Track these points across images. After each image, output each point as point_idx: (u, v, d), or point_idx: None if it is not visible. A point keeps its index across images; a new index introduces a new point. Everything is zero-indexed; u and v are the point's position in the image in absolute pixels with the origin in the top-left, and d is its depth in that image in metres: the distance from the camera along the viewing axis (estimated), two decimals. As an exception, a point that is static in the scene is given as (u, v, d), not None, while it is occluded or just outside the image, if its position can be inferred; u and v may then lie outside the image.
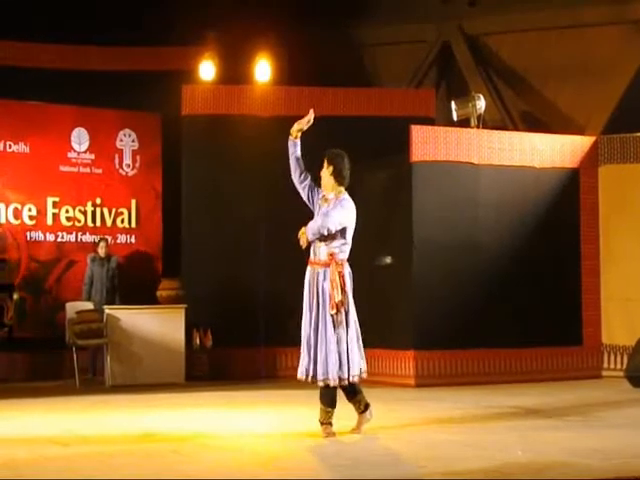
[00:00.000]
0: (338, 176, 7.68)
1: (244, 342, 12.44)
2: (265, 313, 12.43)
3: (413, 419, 8.44)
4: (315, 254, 7.56)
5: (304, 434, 7.52)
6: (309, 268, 7.57)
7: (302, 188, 7.77)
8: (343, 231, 7.57)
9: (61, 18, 13.65)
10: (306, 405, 8.17)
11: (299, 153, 7.85)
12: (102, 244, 12.70)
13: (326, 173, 7.75)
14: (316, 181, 7.87)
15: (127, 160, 13.60)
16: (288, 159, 12.52)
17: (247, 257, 12.70)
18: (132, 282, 13.12)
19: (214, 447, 7.08)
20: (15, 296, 11.89)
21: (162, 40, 13.83)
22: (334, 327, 7.37)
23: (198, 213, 12.88)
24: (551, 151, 12.09)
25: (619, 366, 11.66)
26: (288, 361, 12.12)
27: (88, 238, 13.20)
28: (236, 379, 11.95)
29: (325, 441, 7.23)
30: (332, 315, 7.37)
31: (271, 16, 13.50)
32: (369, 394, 9.28)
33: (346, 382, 7.41)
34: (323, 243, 7.51)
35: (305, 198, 7.78)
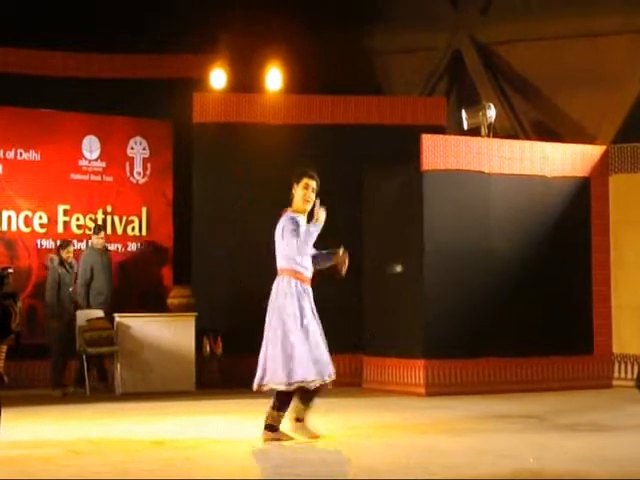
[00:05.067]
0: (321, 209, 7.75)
1: (256, 350, 12.39)
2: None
3: (424, 427, 8.44)
4: (309, 270, 7.71)
5: (314, 441, 7.52)
6: (303, 284, 7.66)
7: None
8: None
9: (73, 26, 13.69)
10: (316, 412, 8.15)
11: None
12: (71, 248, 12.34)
13: (313, 198, 7.76)
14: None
15: (138, 168, 13.61)
16: (298, 166, 12.61)
17: (258, 265, 12.63)
18: (143, 290, 13.14)
19: (225, 454, 7.08)
20: (20, 304, 11.85)
21: (174, 48, 13.87)
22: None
23: (209, 220, 12.89)
24: (562, 160, 12.08)
25: (630, 375, 11.62)
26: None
27: (99, 246, 13.19)
28: (247, 387, 11.88)
29: (335, 448, 7.23)
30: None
31: (283, 24, 13.53)
32: (380, 402, 9.32)
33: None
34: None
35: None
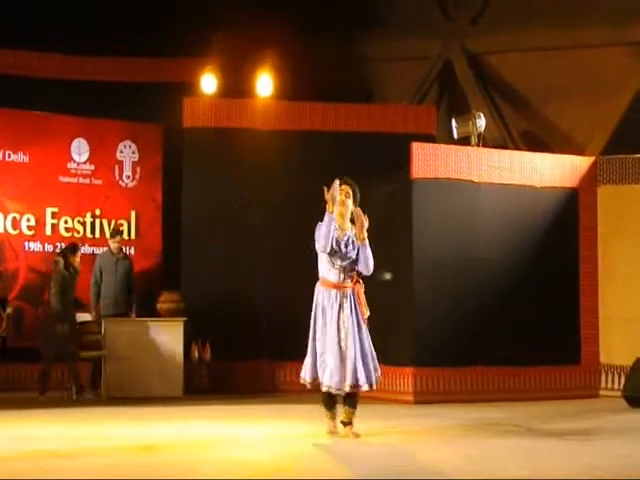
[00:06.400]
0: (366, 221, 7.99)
1: (245, 355, 12.44)
2: (268, 326, 12.43)
3: (413, 434, 8.45)
4: (344, 278, 7.95)
5: (304, 448, 7.52)
6: (333, 290, 7.91)
7: (329, 250, 7.90)
8: None
9: (63, 28, 13.66)
10: (306, 420, 8.17)
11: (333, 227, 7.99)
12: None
13: (351, 204, 8.02)
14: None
15: (127, 171, 13.58)
16: (290, 173, 12.71)
17: (248, 270, 12.72)
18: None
19: (213, 459, 7.07)
20: (9, 310, 11.79)
21: (164, 52, 13.86)
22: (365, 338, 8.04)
23: (198, 225, 12.88)
24: (551, 170, 12.12)
25: (616, 386, 11.66)
26: (293, 375, 12.11)
27: (87, 249, 13.11)
28: (237, 393, 11.93)
29: (323, 456, 7.23)
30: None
31: (275, 30, 13.53)
32: (368, 410, 9.31)
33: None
34: (352, 269, 7.99)
35: (330, 247, 7.89)
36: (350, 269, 8.00)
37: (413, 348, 11.21)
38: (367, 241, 7.99)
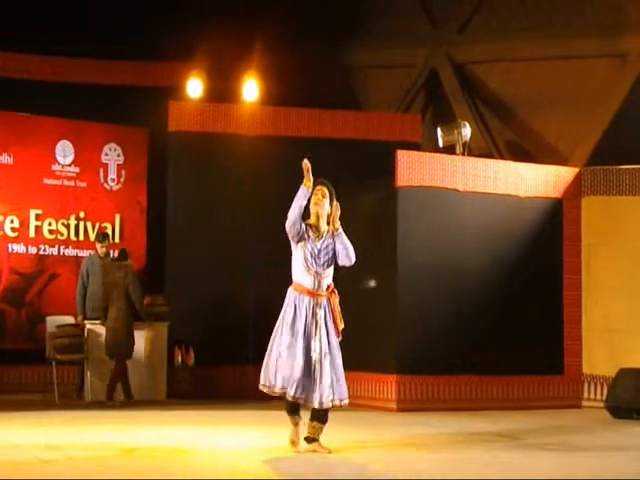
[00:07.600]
0: (338, 210, 7.82)
1: (230, 360, 12.42)
2: (255, 331, 12.39)
3: (397, 443, 8.44)
4: (318, 285, 7.73)
5: (286, 455, 7.52)
6: (307, 297, 7.69)
7: (297, 231, 7.72)
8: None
9: (50, 30, 13.64)
10: (289, 426, 8.13)
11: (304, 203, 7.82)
12: None
13: (327, 205, 7.86)
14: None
15: (112, 174, 13.57)
16: (274, 179, 12.68)
17: (232, 274, 12.70)
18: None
19: (195, 464, 7.06)
20: None
21: (151, 55, 13.86)
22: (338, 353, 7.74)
23: (183, 229, 12.87)
24: (535, 181, 12.16)
25: (599, 396, 11.69)
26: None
27: (71, 252, 13.13)
28: (220, 398, 11.91)
29: (305, 463, 7.21)
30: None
31: (261, 36, 13.56)
32: (352, 417, 9.32)
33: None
34: (328, 276, 7.79)
35: (297, 238, 7.75)
36: (326, 275, 7.81)
37: (397, 356, 11.20)
38: (341, 230, 7.83)
